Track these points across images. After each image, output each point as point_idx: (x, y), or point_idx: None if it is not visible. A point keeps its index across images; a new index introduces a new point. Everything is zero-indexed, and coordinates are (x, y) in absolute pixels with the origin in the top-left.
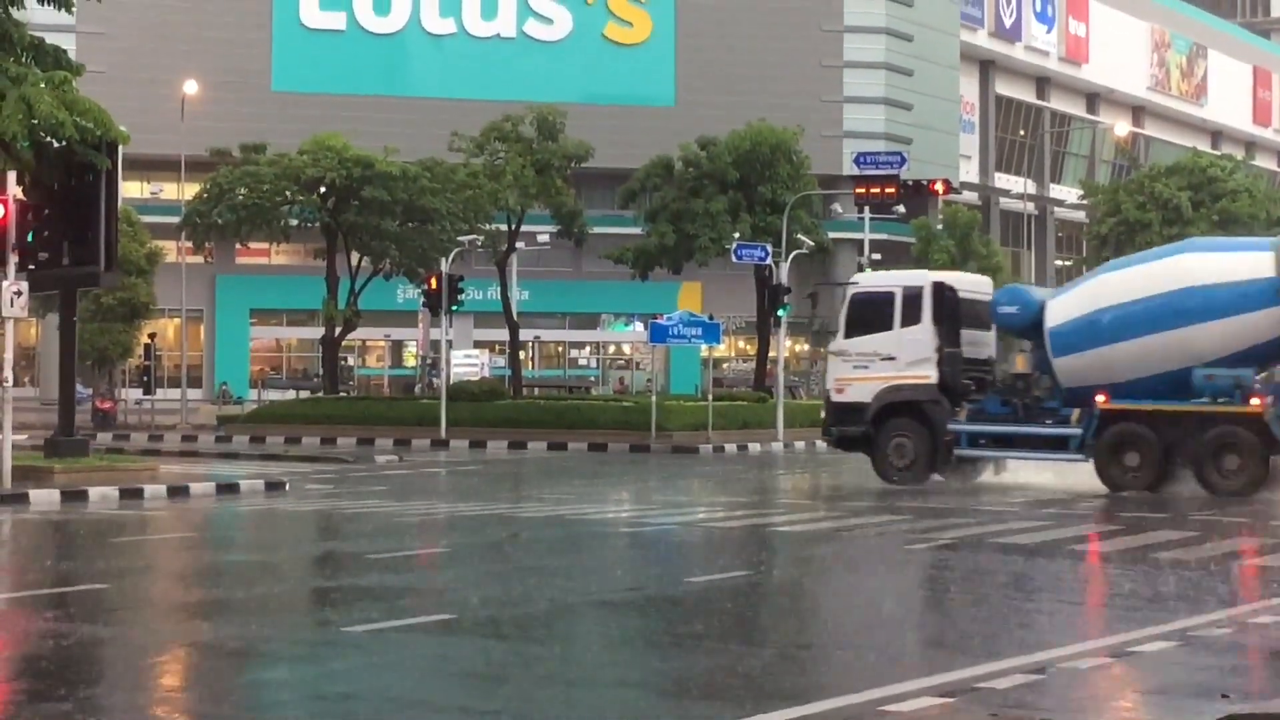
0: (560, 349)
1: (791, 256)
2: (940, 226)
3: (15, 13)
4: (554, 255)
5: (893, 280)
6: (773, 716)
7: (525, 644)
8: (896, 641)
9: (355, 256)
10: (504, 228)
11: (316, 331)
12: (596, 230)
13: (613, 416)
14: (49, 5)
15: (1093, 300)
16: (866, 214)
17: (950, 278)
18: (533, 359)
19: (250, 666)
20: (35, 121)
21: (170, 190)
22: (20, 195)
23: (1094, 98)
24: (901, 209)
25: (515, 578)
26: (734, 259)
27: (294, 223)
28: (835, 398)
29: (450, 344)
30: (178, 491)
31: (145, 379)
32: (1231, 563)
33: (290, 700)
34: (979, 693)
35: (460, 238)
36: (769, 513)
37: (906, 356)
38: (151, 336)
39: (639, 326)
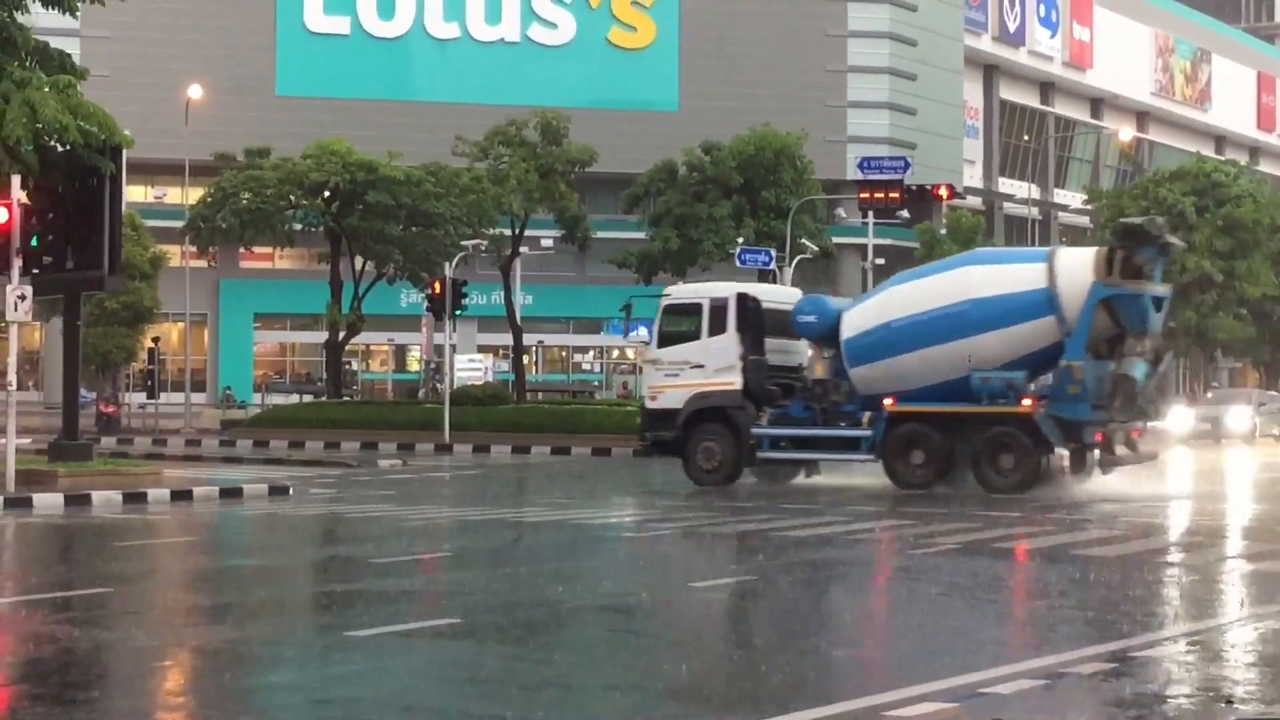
0: (564, 353)
1: (795, 261)
2: (944, 231)
3: (20, 17)
4: (558, 260)
5: (701, 292)
6: None
7: (529, 648)
8: None
9: (359, 261)
10: (508, 232)
11: (320, 336)
12: (600, 235)
13: (616, 421)
14: (53, 9)
15: (883, 313)
16: (870, 219)
17: (755, 289)
18: (536, 363)
19: (254, 671)
20: (39, 125)
21: (174, 194)
22: (24, 199)
23: (1098, 103)
24: (905, 214)
25: (519, 582)
26: (738, 264)
27: (298, 227)
28: (649, 404)
29: (454, 348)
30: (181, 496)
31: (149, 383)
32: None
33: (294, 704)
34: None
35: (464, 242)
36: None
37: (714, 364)
38: (155, 341)
39: (643, 331)
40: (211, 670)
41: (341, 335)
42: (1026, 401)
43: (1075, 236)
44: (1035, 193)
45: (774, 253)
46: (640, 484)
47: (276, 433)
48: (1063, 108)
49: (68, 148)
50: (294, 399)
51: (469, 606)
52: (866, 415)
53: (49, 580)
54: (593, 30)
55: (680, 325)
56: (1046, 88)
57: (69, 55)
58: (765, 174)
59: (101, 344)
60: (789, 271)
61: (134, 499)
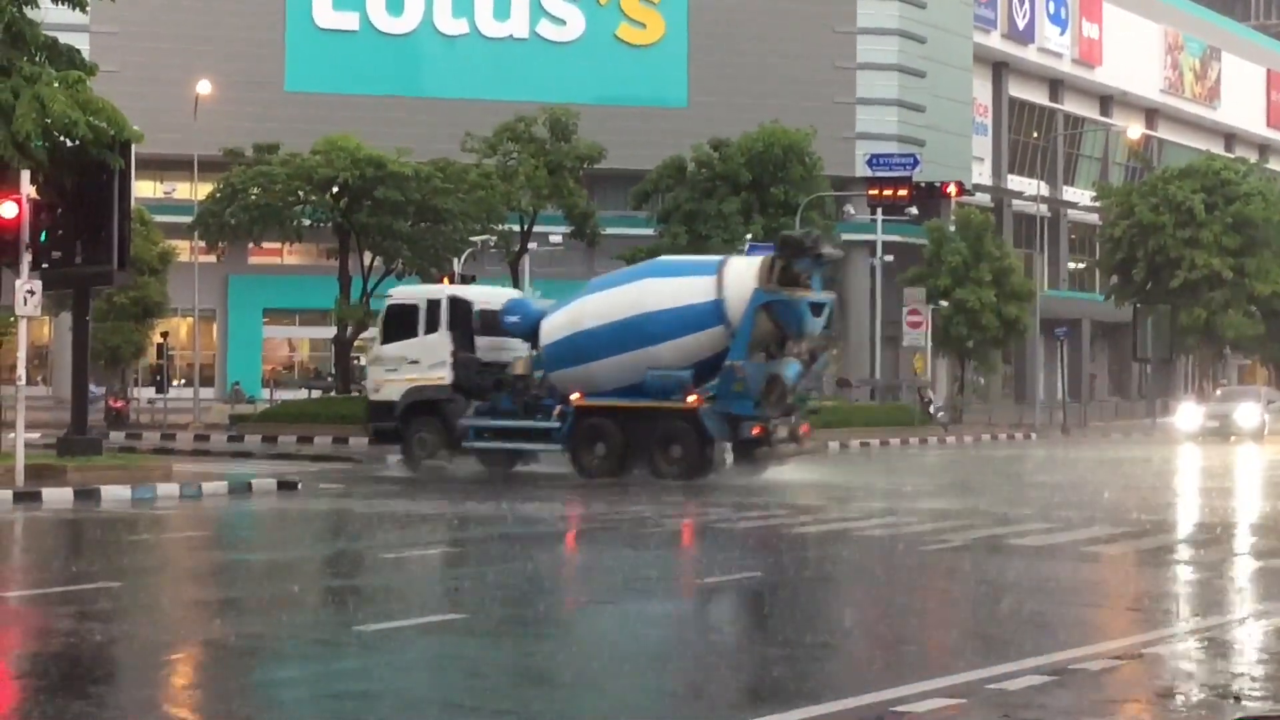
0: None
1: None
2: (953, 228)
3: (29, 12)
4: (566, 256)
5: (418, 293)
6: (785, 716)
7: (538, 643)
8: None
9: (368, 256)
10: (516, 228)
11: (329, 331)
12: (609, 231)
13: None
14: (63, 5)
15: (574, 322)
16: (879, 216)
17: (468, 291)
18: None
19: (262, 665)
20: (49, 121)
21: (183, 190)
22: (34, 194)
23: (1107, 100)
24: (914, 211)
25: (527, 577)
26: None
27: (306, 222)
28: (373, 397)
29: None
30: (190, 491)
31: (158, 378)
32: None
33: (302, 699)
34: None
35: (473, 238)
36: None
37: (428, 360)
38: (164, 336)
39: None
40: (220, 664)
41: (350, 330)
42: (692, 398)
43: (1084, 234)
44: (1044, 190)
45: None
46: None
47: (285, 428)
48: (1072, 105)
49: (77, 143)
50: (303, 394)
51: (476, 601)
52: (557, 409)
53: (58, 575)
54: (601, 26)
55: (400, 324)
56: (1056, 85)
57: (78, 50)
58: (774, 171)
59: (110, 339)
60: None
61: (142, 494)
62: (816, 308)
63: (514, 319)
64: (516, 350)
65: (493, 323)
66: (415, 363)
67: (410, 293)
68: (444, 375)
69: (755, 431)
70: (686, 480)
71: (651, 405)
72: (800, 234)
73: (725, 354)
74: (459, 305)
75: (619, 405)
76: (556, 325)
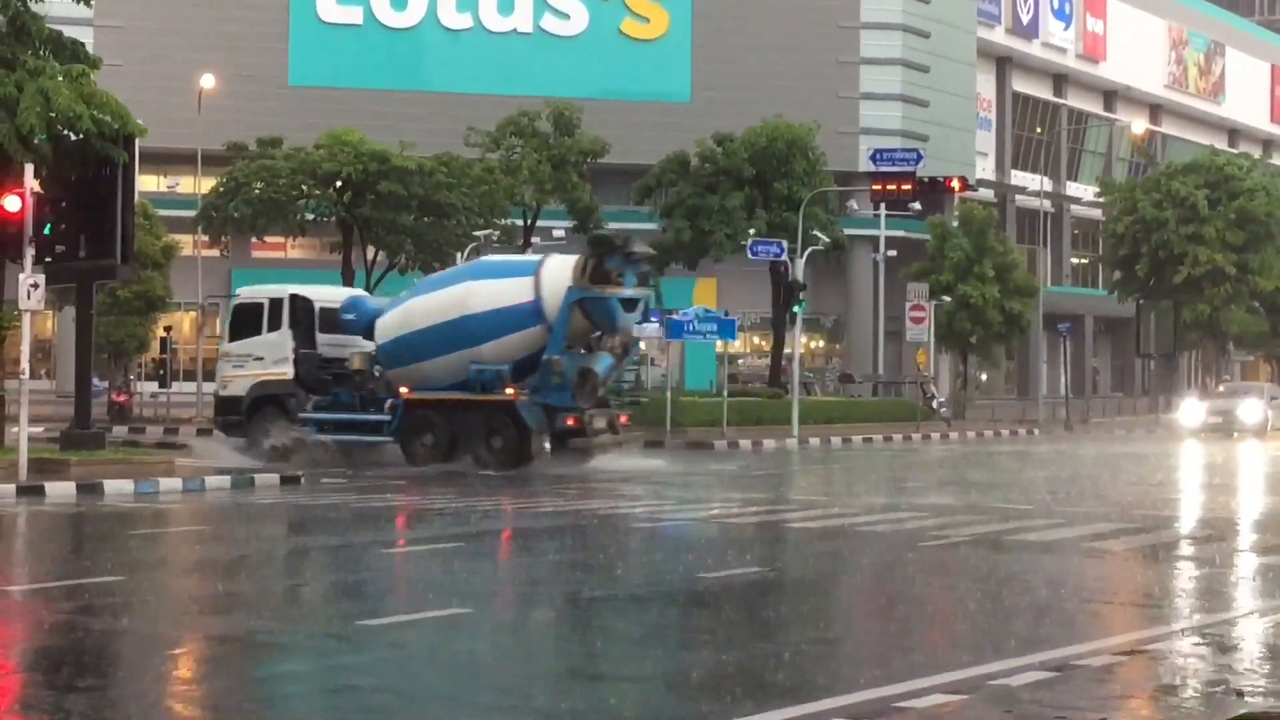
0: None
1: (807, 253)
2: (956, 224)
3: (34, 6)
4: (569, 250)
5: (263, 293)
6: (787, 712)
7: (541, 638)
8: None
9: (371, 251)
10: (519, 223)
11: None
12: (612, 226)
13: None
14: None
15: (405, 323)
16: (882, 211)
17: (310, 290)
18: None
19: (266, 659)
20: (53, 115)
21: (187, 184)
22: (37, 188)
23: (1111, 95)
24: (917, 206)
25: (531, 572)
26: (749, 255)
27: (310, 217)
28: (221, 392)
29: None
30: (193, 485)
31: (161, 372)
32: None
33: (306, 693)
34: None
35: (476, 232)
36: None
37: (271, 357)
38: (167, 330)
39: (653, 322)
40: (223, 658)
41: None
42: (510, 391)
43: (1088, 229)
44: (1048, 185)
45: (785, 245)
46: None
47: None
48: (1076, 100)
49: (81, 137)
50: None
51: (479, 595)
52: (389, 402)
53: (61, 568)
54: (605, 21)
55: (247, 323)
56: (1059, 80)
57: (82, 44)
58: (777, 165)
59: (114, 333)
60: (800, 263)
61: (145, 488)
62: (629, 304)
63: (351, 317)
64: (359, 346)
65: (334, 320)
66: (260, 359)
67: (255, 292)
68: (287, 371)
69: (570, 422)
70: (507, 469)
71: (473, 398)
72: (611, 234)
73: (543, 350)
74: (301, 304)
75: (444, 398)
76: (390, 325)
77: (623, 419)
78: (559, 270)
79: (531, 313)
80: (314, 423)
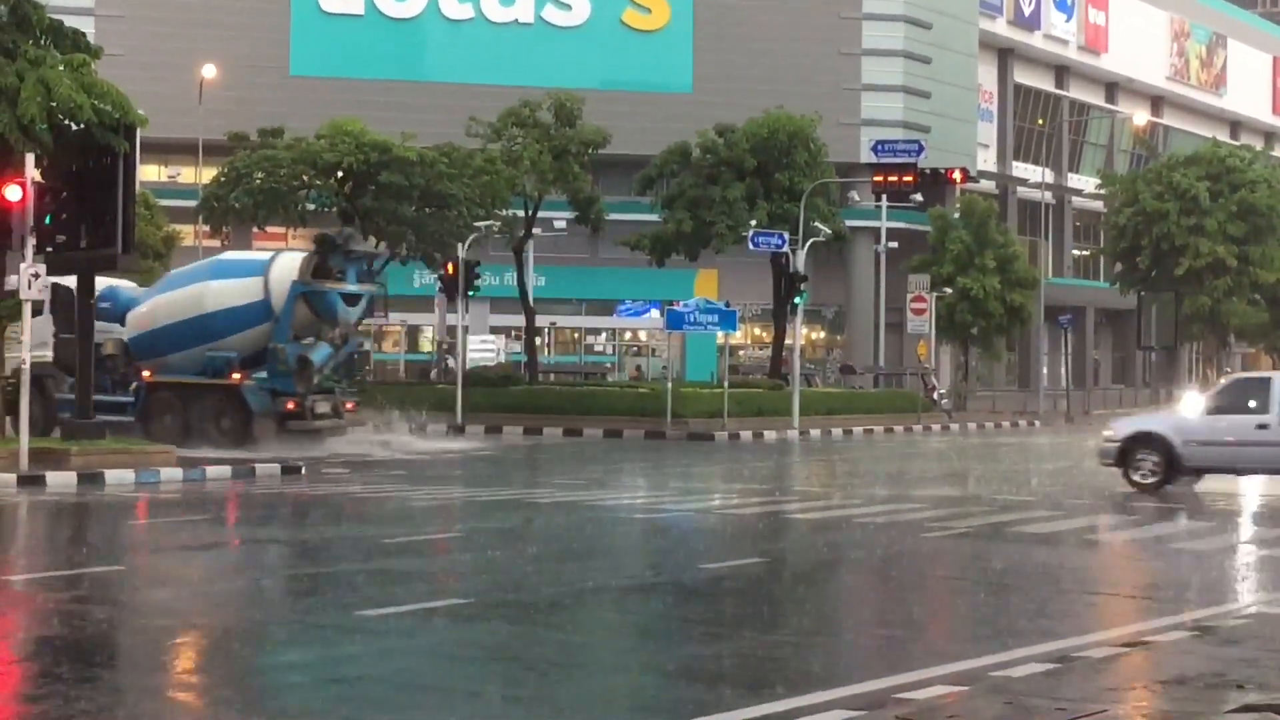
0: (576, 335)
1: (808, 244)
2: (957, 215)
3: None
4: (571, 241)
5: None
6: (787, 703)
7: (540, 629)
8: None
9: (372, 241)
10: (521, 213)
11: None
12: (613, 217)
13: (628, 403)
14: None
15: (151, 319)
16: (884, 202)
17: (71, 279)
18: (549, 345)
19: (264, 649)
20: (54, 104)
21: (187, 174)
22: (38, 178)
23: (1113, 87)
24: (919, 197)
25: (530, 563)
26: (751, 246)
27: (311, 207)
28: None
29: (466, 329)
30: (193, 475)
31: None
32: None
33: (304, 683)
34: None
35: (477, 223)
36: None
37: (36, 339)
38: None
39: (654, 313)
40: (222, 648)
41: None
42: (236, 376)
43: (1089, 221)
44: (1049, 177)
45: (787, 236)
46: (654, 466)
47: None
48: (1077, 92)
49: (82, 126)
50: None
51: (479, 587)
52: (134, 384)
53: (62, 558)
54: (607, 12)
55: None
56: (1061, 72)
57: (83, 34)
58: (779, 156)
59: None
60: (802, 255)
61: (146, 478)
62: (351, 298)
63: (105, 305)
64: (116, 333)
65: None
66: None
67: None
68: (47, 354)
69: (289, 406)
70: (234, 448)
71: (205, 382)
72: (333, 233)
73: (266, 349)
74: (61, 291)
75: (181, 381)
76: (138, 318)
77: (349, 405)
78: (287, 267)
79: (261, 311)
80: (67, 403)
